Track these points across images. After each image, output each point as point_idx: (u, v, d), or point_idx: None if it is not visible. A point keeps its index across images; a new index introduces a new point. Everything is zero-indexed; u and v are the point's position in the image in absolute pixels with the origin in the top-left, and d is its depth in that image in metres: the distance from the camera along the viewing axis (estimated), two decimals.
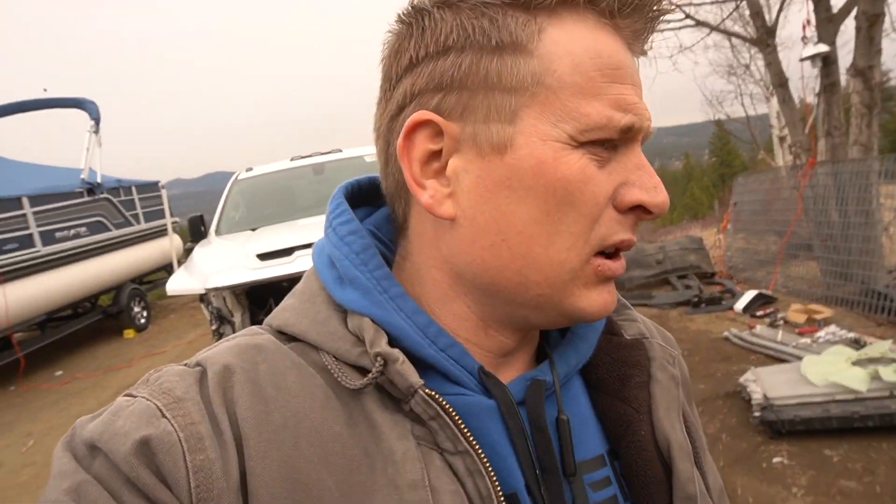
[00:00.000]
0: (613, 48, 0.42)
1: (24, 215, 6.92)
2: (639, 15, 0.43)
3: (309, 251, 3.64)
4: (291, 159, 6.12)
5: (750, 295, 5.71)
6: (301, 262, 4.13)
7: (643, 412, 0.50)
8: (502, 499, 0.42)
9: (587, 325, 0.52)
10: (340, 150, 6.14)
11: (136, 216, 9.25)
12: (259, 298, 4.69)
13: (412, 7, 0.45)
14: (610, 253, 0.45)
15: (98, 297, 8.73)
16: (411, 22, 0.45)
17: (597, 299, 0.45)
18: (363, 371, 0.44)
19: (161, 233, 9.63)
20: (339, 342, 0.44)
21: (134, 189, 9.35)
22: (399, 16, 0.46)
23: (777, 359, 4.25)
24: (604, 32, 0.42)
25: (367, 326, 0.44)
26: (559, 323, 0.47)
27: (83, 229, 7.92)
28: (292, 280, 3.85)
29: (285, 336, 0.47)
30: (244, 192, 5.93)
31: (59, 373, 7.07)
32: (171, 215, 9.56)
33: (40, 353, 7.41)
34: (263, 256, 4.35)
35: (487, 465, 0.43)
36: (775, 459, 3.05)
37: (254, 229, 5.16)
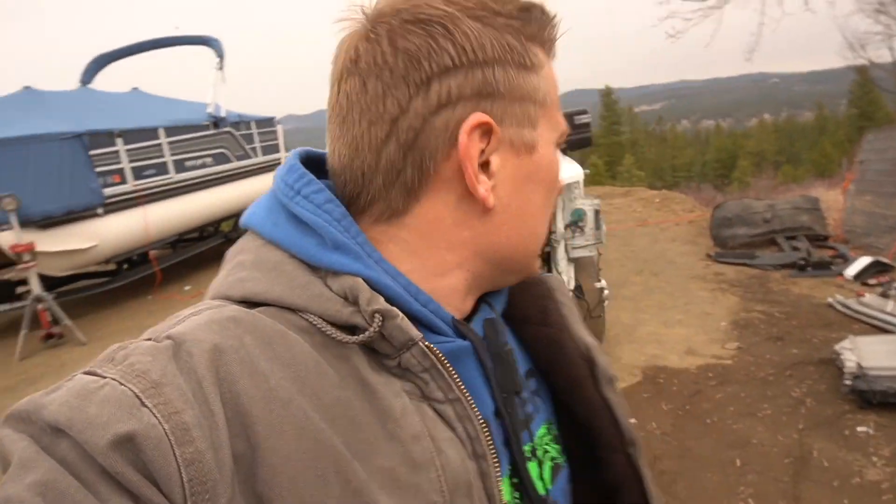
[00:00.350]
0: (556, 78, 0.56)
1: (159, 145, 7.70)
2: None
3: None
4: None
5: (864, 261, 5.35)
6: None
7: (564, 330, 0.62)
8: (489, 437, 0.48)
9: None
10: None
11: (254, 149, 9.93)
12: None
13: (440, 8, 0.47)
14: None
15: (220, 223, 9.60)
16: (445, 24, 0.46)
17: (538, 261, 0.59)
18: (352, 330, 0.45)
19: (276, 166, 10.22)
20: (328, 303, 0.45)
21: (253, 124, 10.01)
22: (424, 14, 0.46)
23: (883, 329, 4.05)
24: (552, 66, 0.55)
25: (362, 287, 0.45)
26: (517, 281, 0.59)
27: (209, 159, 8.67)
28: None
29: (249, 304, 0.46)
30: None
31: (187, 287, 7.98)
32: (285, 150, 10.20)
33: (172, 270, 8.36)
34: None
35: (475, 409, 0.48)
36: (860, 428, 3.00)
37: None
